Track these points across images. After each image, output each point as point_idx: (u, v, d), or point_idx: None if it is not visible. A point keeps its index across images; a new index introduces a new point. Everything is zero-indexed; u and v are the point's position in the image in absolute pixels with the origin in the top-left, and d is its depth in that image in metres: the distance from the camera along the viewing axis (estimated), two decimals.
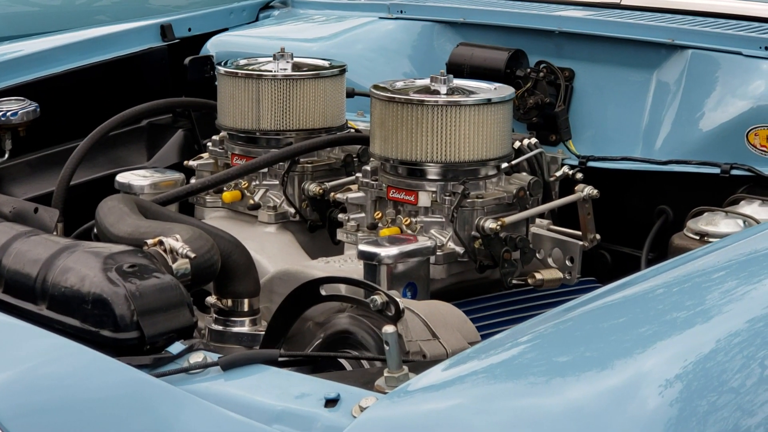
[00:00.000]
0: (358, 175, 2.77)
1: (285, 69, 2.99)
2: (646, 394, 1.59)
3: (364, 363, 2.13)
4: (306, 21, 3.75)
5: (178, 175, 3.04)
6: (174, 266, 2.18)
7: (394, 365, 1.77)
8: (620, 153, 3.00)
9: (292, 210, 2.92)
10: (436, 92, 2.68)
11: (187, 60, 3.51)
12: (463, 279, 2.65)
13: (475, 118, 2.62)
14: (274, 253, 2.80)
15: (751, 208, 2.68)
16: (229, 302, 2.47)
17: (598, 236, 2.71)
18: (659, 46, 3.02)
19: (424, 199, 2.63)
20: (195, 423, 1.72)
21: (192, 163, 3.08)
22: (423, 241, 2.51)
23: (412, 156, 2.64)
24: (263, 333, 2.34)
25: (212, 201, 3.00)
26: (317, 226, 2.92)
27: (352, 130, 3.07)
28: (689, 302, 1.88)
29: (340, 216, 2.76)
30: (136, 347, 1.95)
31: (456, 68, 3.06)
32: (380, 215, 2.69)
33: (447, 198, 2.61)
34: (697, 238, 2.58)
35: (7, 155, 3.26)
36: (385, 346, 1.76)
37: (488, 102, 2.64)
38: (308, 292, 2.24)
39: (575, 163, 3.02)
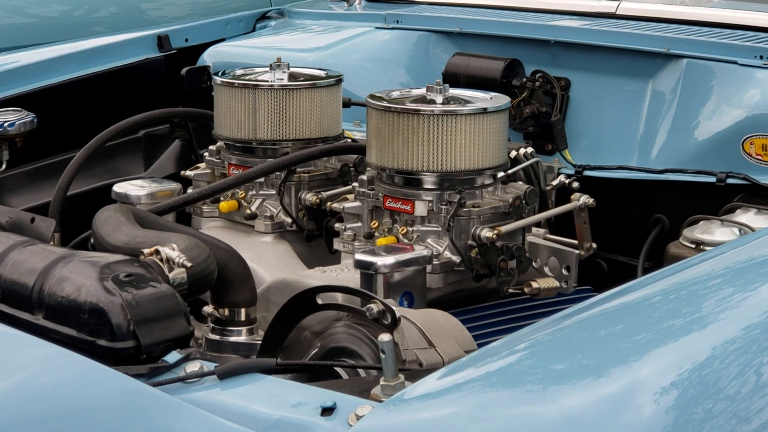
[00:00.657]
0: (355, 184, 2.78)
1: (281, 79, 3.00)
2: (642, 402, 1.59)
3: (361, 372, 2.14)
4: (302, 31, 3.76)
5: (175, 185, 3.04)
6: (170, 275, 2.18)
7: (390, 374, 1.77)
8: (616, 162, 3.01)
9: (288, 219, 2.92)
10: (432, 102, 2.68)
11: (184, 70, 3.51)
12: (460, 288, 2.65)
13: (471, 128, 2.63)
14: (271, 263, 2.80)
15: (747, 216, 2.68)
16: (226, 312, 2.47)
17: (594, 245, 2.72)
18: (655, 55, 3.03)
19: (420, 209, 2.64)
20: None
21: (189, 173, 3.09)
22: (419, 250, 2.51)
23: (409, 165, 2.64)
24: (260, 342, 2.34)
25: (209, 211, 3.00)
26: (314, 235, 2.92)
27: (349, 140, 3.08)
28: (685, 310, 1.88)
29: (337, 225, 2.77)
30: (132, 356, 1.95)
31: (452, 78, 3.07)
32: (377, 224, 2.69)
33: (443, 207, 2.61)
34: (693, 246, 2.58)
35: (4, 166, 3.26)
36: (381, 354, 1.76)
37: (484, 111, 2.65)
38: (305, 301, 2.24)
39: (571, 172, 3.02)
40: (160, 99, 3.60)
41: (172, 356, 1.93)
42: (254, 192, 2.97)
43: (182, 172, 3.12)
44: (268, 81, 2.99)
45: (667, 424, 1.57)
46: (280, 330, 2.26)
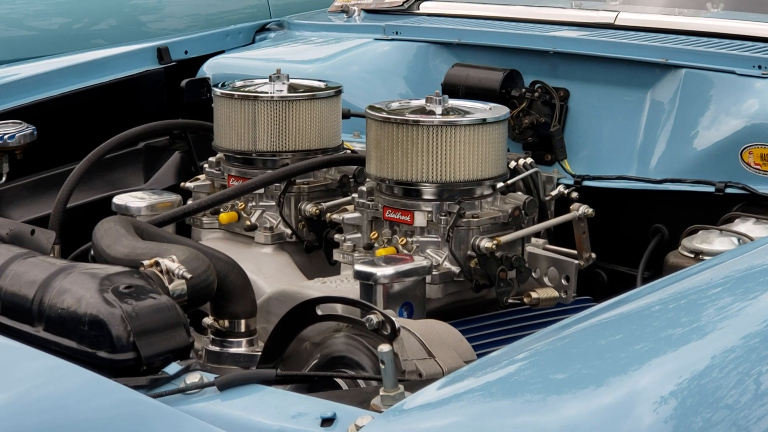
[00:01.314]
0: (354, 195, 2.78)
1: (281, 90, 3.00)
2: (642, 411, 1.60)
3: (360, 382, 2.14)
4: (302, 43, 3.76)
5: (175, 197, 3.05)
6: (170, 287, 2.18)
7: (389, 384, 1.77)
8: (615, 172, 3.01)
9: (288, 231, 2.92)
10: (432, 113, 2.69)
11: (183, 82, 3.52)
12: (459, 298, 2.65)
13: (471, 138, 2.63)
14: (271, 274, 2.80)
15: (746, 226, 2.68)
16: (226, 323, 2.47)
17: (593, 255, 2.72)
18: (653, 65, 3.03)
19: (419, 219, 2.64)
20: None
21: (189, 184, 3.09)
22: (419, 261, 2.51)
23: (408, 176, 2.64)
24: (260, 353, 2.34)
25: (209, 222, 3.00)
26: (314, 246, 2.92)
27: (348, 151, 3.08)
28: (684, 319, 1.89)
29: (337, 236, 2.77)
30: (132, 368, 1.95)
31: (451, 89, 3.08)
32: (376, 235, 2.70)
33: (443, 218, 2.62)
34: (692, 256, 2.58)
35: (4, 178, 3.26)
36: (380, 365, 1.76)
37: (483, 122, 2.65)
38: (304, 312, 2.24)
39: (570, 182, 3.03)
40: (160, 111, 3.60)
41: (172, 367, 1.93)
42: (254, 203, 2.97)
43: (182, 184, 3.13)
44: (267, 92, 2.99)
45: None
46: (280, 341, 2.26)
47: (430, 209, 2.64)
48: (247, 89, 3.03)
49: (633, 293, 2.03)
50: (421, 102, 2.74)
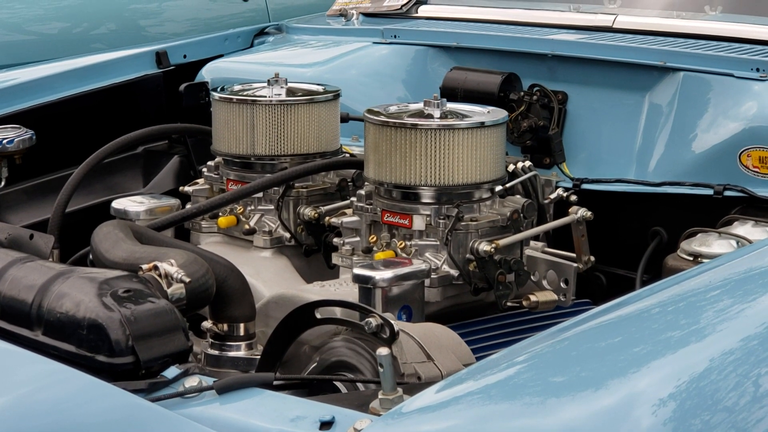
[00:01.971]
0: (353, 199, 2.78)
1: (279, 94, 3.00)
2: (641, 414, 1.60)
3: (359, 385, 2.14)
4: (300, 47, 3.76)
5: (174, 201, 3.04)
6: (169, 291, 2.18)
7: (388, 387, 1.77)
8: (614, 175, 3.01)
9: (287, 234, 2.92)
10: (430, 116, 2.69)
11: (182, 86, 3.52)
12: (458, 302, 2.65)
13: (469, 142, 2.63)
14: (270, 278, 2.80)
15: (745, 228, 2.68)
16: (225, 327, 2.47)
17: (592, 258, 2.72)
18: (651, 68, 3.03)
19: (418, 223, 2.64)
20: None
21: (187, 188, 3.09)
22: (418, 264, 2.51)
23: (406, 180, 2.64)
24: (259, 357, 2.34)
25: (208, 226, 3.00)
26: (312, 250, 2.92)
27: (347, 155, 3.08)
28: (683, 321, 1.89)
29: (335, 240, 2.77)
30: (131, 372, 1.95)
31: (449, 92, 3.08)
32: (375, 239, 2.70)
33: (441, 221, 2.62)
34: (691, 259, 2.58)
35: (3, 183, 3.26)
36: (379, 368, 1.76)
37: (482, 125, 2.65)
38: (303, 315, 2.24)
39: (569, 185, 3.02)
40: (159, 115, 3.60)
41: (171, 371, 1.93)
42: (253, 207, 2.97)
43: (181, 188, 3.12)
44: (266, 96, 2.99)
45: None
46: (279, 345, 2.26)
47: (428, 213, 2.64)
48: (245, 93, 3.03)
49: (632, 296, 2.03)
50: (420, 105, 2.74)
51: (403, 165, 2.64)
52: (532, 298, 2.63)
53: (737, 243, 2.60)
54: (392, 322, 2.13)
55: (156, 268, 2.21)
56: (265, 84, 3.05)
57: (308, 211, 2.88)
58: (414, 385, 2.01)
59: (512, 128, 3.07)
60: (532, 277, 2.67)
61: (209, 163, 3.09)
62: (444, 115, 2.69)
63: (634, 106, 3.04)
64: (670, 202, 2.93)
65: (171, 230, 2.88)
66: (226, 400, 1.83)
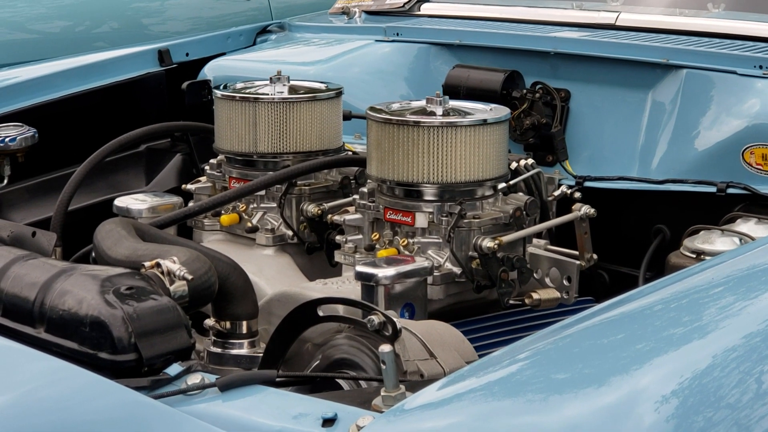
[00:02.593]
0: (355, 197, 2.78)
1: (282, 92, 3.00)
2: (643, 411, 1.59)
3: (362, 383, 2.14)
4: (303, 44, 3.76)
5: (177, 199, 3.04)
6: (171, 288, 2.18)
7: (391, 384, 1.77)
8: (616, 172, 3.01)
9: (289, 232, 2.92)
10: (432, 113, 2.69)
11: (184, 84, 3.52)
12: (461, 299, 2.65)
13: (471, 139, 2.63)
14: (272, 276, 2.80)
15: (748, 226, 2.68)
16: (228, 324, 2.47)
17: (595, 256, 2.72)
18: (654, 65, 3.03)
19: (421, 220, 2.64)
20: None
21: (190, 186, 3.09)
22: (420, 262, 2.51)
23: (409, 177, 2.64)
24: (262, 355, 2.34)
25: (210, 224, 3.00)
26: (315, 248, 2.92)
27: (349, 153, 3.08)
28: (686, 318, 1.89)
29: (338, 238, 2.77)
30: (133, 369, 1.95)
31: (452, 90, 3.08)
32: (378, 236, 2.69)
33: (444, 218, 2.62)
34: (694, 256, 2.58)
35: (5, 181, 3.27)
36: (381, 365, 1.76)
37: (484, 123, 2.65)
38: (306, 313, 2.24)
39: (572, 183, 3.02)
40: (161, 113, 3.60)
41: (174, 369, 1.93)
42: (255, 205, 2.97)
43: (183, 186, 3.12)
44: (268, 94, 2.99)
45: None
46: (282, 342, 2.26)
47: (431, 210, 2.63)
48: (247, 91, 3.03)
49: (634, 293, 2.03)
50: (422, 103, 2.74)
51: (406, 162, 2.64)
52: (535, 295, 2.63)
53: (740, 240, 2.59)
54: (395, 319, 2.13)
55: (158, 265, 2.21)
56: (268, 82, 3.05)
57: (311, 209, 2.88)
58: (416, 383, 2.01)
59: (515, 126, 3.07)
60: (534, 274, 2.66)
61: (212, 161, 3.09)
62: (446, 113, 2.68)
63: (637, 104, 3.04)
64: (672, 199, 2.93)
65: (173, 228, 2.88)
66: (228, 398, 1.83)
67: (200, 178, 3.12)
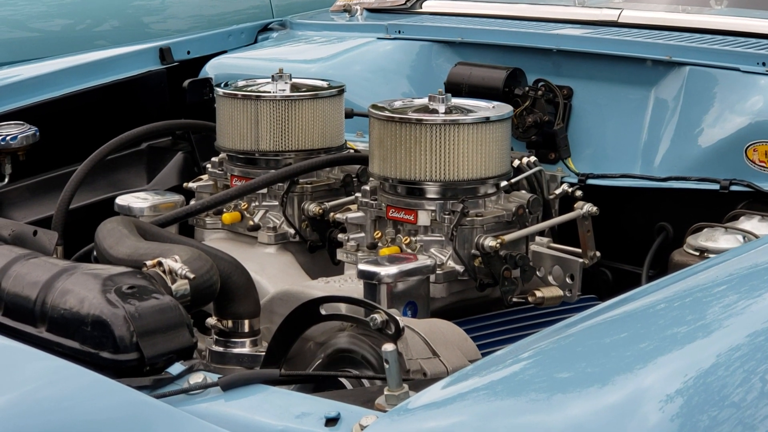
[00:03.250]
0: (358, 195, 2.77)
1: (283, 90, 3.00)
2: (647, 410, 1.59)
3: (365, 382, 2.13)
4: (304, 42, 3.76)
5: (178, 197, 3.04)
6: (173, 287, 2.17)
7: (394, 383, 1.76)
8: (619, 170, 3.00)
9: (291, 231, 2.92)
10: (435, 111, 2.68)
11: (186, 82, 3.52)
12: (464, 297, 2.64)
13: (474, 137, 2.62)
14: (274, 274, 2.80)
15: (751, 223, 2.68)
16: (230, 323, 2.46)
17: (598, 253, 2.71)
18: (657, 63, 3.02)
19: (423, 218, 2.63)
20: None
21: (192, 185, 3.09)
22: (423, 260, 2.51)
23: (411, 175, 2.64)
24: (264, 354, 2.33)
25: (212, 222, 3.00)
26: (317, 246, 2.92)
27: (351, 151, 3.08)
28: (690, 317, 1.88)
29: (340, 236, 2.76)
30: (135, 368, 1.94)
31: (454, 87, 3.07)
32: (380, 235, 2.69)
33: (446, 216, 2.61)
34: (697, 254, 2.58)
35: (6, 179, 3.26)
36: (385, 364, 1.76)
37: (487, 120, 2.65)
38: (308, 311, 2.24)
39: (575, 180, 3.02)
40: (163, 111, 3.60)
41: (176, 368, 1.92)
42: (257, 203, 2.97)
43: (185, 184, 3.12)
44: (270, 92, 2.99)
45: None
46: (284, 341, 2.26)
47: (433, 208, 2.63)
48: (249, 89, 3.02)
49: (638, 291, 2.02)
50: (424, 101, 2.74)
51: (408, 160, 2.63)
52: (538, 293, 2.62)
53: (743, 238, 2.59)
54: (397, 318, 2.12)
55: (160, 264, 2.21)
56: (270, 80, 3.04)
57: (313, 207, 2.88)
58: (419, 382, 2.00)
59: (517, 123, 3.06)
60: (537, 272, 2.66)
61: (213, 159, 3.08)
62: (449, 111, 2.68)
63: (640, 101, 3.03)
64: (676, 197, 2.93)
65: (175, 227, 2.88)
66: (230, 397, 1.82)
67: (202, 177, 3.11)
